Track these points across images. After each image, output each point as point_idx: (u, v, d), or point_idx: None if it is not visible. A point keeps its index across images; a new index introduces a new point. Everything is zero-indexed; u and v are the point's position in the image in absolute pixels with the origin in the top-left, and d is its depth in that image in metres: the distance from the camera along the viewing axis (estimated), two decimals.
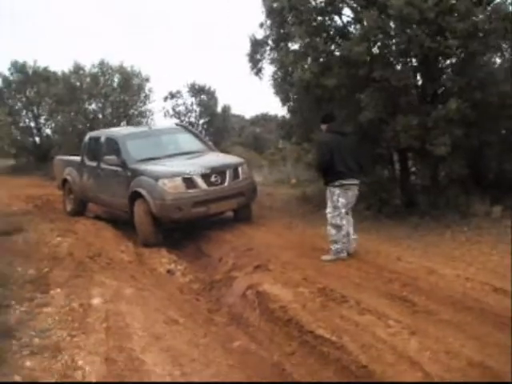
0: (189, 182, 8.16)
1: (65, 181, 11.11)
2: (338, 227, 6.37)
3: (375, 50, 7.65)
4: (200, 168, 8.32)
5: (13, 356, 3.90)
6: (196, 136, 10.51)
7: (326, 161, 6.31)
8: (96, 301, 5.07)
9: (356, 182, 6.45)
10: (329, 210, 6.45)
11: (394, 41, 7.72)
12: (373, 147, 8.54)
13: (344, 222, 6.40)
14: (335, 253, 6.38)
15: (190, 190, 8.15)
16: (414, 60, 7.97)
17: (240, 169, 8.78)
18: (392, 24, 7.38)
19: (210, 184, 8.28)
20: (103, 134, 10.42)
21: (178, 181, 8.11)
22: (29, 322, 4.57)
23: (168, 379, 3.53)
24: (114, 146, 9.39)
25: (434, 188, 8.55)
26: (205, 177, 8.25)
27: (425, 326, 4.28)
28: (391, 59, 7.89)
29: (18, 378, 3.50)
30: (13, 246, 7.45)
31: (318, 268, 6.10)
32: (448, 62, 8.09)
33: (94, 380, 3.52)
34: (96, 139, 10.31)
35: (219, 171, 8.43)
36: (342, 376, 3.93)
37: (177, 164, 8.65)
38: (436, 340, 4.00)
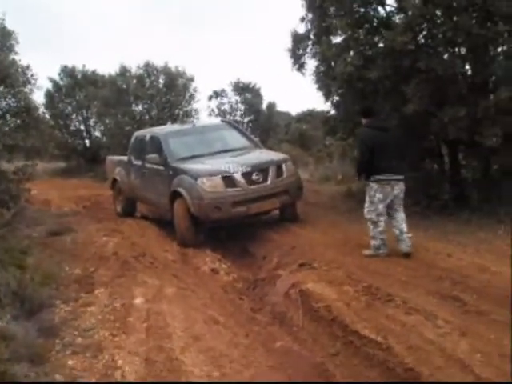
0: (228, 180, 7.88)
1: (114, 180, 11.18)
2: (374, 223, 6.27)
3: (420, 39, 7.37)
4: (241, 166, 8.03)
5: (56, 355, 3.95)
6: (241, 133, 10.23)
7: (366, 159, 6.21)
8: (138, 300, 5.08)
9: (398, 177, 6.25)
10: (366, 205, 6.38)
11: (439, 29, 7.44)
12: (420, 141, 8.28)
13: (381, 218, 6.27)
14: (374, 249, 6.28)
15: (230, 189, 7.87)
16: (461, 48, 7.65)
17: (284, 166, 8.39)
18: (437, 12, 7.12)
19: (251, 182, 7.95)
20: (148, 132, 10.44)
21: (217, 179, 7.86)
22: (72, 322, 4.63)
23: (206, 380, 3.47)
24: (156, 144, 9.33)
25: (486, 181, 8.21)
26: (246, 175, 7.94)
27: (476, 326, 4.08)
28: (437, 48, 7.62)
29: (59, 377, 3.53)
30: (62, 245, 7.60)
31: (363, 266, 5.94)
32: (499, 49, 7.73)
33: (132, 380, 3.49)
34: (141, 138, 10.34)
35: (261, 169, 8.10)
36: (388, 378, 3.79)
37: (217, 162, 8.36)
38: (488, 342, 3.80)
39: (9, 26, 7.29)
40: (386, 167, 6.15)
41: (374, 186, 6.20)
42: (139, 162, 9.96)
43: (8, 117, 7.42)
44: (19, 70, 7.25)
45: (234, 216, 7.93)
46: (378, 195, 6.20)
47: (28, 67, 7.48)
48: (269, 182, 8.09)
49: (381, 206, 6.23)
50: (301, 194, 8.79)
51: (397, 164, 6.25)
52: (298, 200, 8.85)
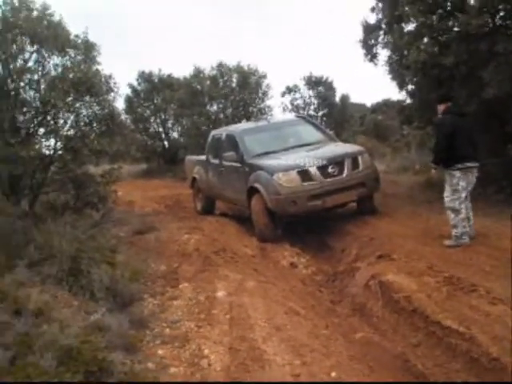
0: (304, 174, 7.89)
1: (194, 179, 11.43)
2: (456, 211, 6.14)
3: (497, 20, 7.10)
4: (316, 160, 8.00)
5: (146, 345, 4.19)
6: (316, 127, 10.19)
7: (446, 145, 6.07)
8: (220, 293, 5.27)
9: (476, 164, 6.16)
10: (447, 193, 6.26)
11: None
12: (501, 126, 7.97)
13: (462, 206, 6.16)
14: (456, 238, 6.14)
15: (306, 183, 7.88)
16: None
17: (360, 158, 8.29)
18: None
19: (326, 176, 7.94)
20: (224, 131, 10.67)
21: (293, 174, 7.89)
22: (160, 314, 4.88)
23: (288, 368, 3.58)
24: (232, 142, 9.51)
25: None
26: (321, 168, 7.92)
27: None
28: None
29: (151, 365, 3.76)
30: (146, 244, 7.92)
31: (444, 256, 5.83)
32: None
33: (218, 368, 3.67)
34: (218, 137, 10.55)
35: (337, 162, 8.06)
36: (472, 369, 3.74)
37: (293, 157, 8.37)
38: None
39: (90, 37, 7.75)
40: (467, 154, 6.07)
41: (457, 173, 6.09)
42: (216, 161, 10.17)
43: (94, 124, 7.87)
44: (102, 79, 7.68)
45: (310, 209, 7.95)
46: (462, 183, 6.10)
47: (110, 76, 7.94)
48: (344, 174, 8.05)
49: (463, 194, 6.13)
50: (378, 186, 8.68)
51: (474, 150, 6.15)
52: (376, 192, 8.75)
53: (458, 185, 6.10)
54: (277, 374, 3.51)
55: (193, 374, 3.69)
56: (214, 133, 11.26)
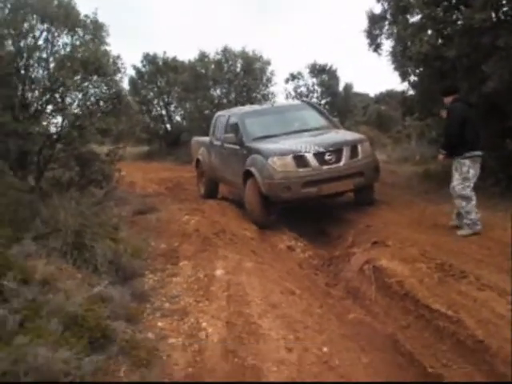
0: (300, 160, 7.72)
1: (198, 161, 11.29)
2: (468, 198, 6.27)
3: (500, 15, 7.20)
4: (313, 145, 7.80)
5: (147, 317, 4.38)
6: (320, 112, 9.91)
7: (458, 131, 6.21)
8: (219, 272, 5.44)
9: (482, 153, 6.32)
10: (457, 182, 6.36)
11: None
12: (501, 119, 8.08)
13: (473, 193, 6.30)
14: (471, 225, 6.27)
15: (301, 169, 7.70)
16: None
17: (360, 146, 8.06)
18: None
19: (323, 163, 7.74)
20: (228, 112, 10.56)
21: (288, 159, 7.72)
22: (160, 289, 5.07)
23: (282, 342, 3.76)
24: (234, 123, 9.44)
25: None
26: (318, 155, 7.73)
27: None
28: None
29: (151, 335, 3.95)
30: (147, 223, 8.05)
31: (437, 244, 5.99)
32: None
33: (215, 340, 3.85)
34: (222, 118, 10.44)
35: (335, 149, 7.85)
36: (457, 350, 3.92)
37: (290, 142, 8.21)
38: None
39: (100, 18, 7.86)
40: (476, 143, 6.23)
41: (467, 162, 6.24)
42: (219, 142, 10.07)
43: (101, 103, 8.00)
44: (111, 60, 7.79)
45: (304, 196, 7.81)
46: (472, 171, 6.25)
47: (118, 57, 8.08)
48: (342, 162, 7.85)
49: (473, 182, 6.28)
50: (377, 176, 8.50)
51: (480, 140, 6.30)
52: (375, 182, 8.61)
53: (469, 173, 6.24)
54: (271, 347, 3.69)
55: (191, 344, 3.87)
56: (218, 114, 11.14)
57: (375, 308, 5.00)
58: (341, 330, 4.33)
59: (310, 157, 7.74)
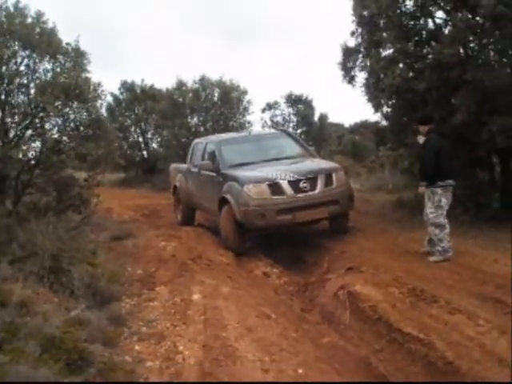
0: (275, 187, 7.75)
1: (175, 188, 11.24)
2: (442, 226, 6.43)
3: (468, 51, 7.55)
4: (288, 173, 7.85)
5: (124, 341, 4.40)
6: (297, 141, 10.00)
7: (434, 163, 6.40)
8: (196, 297, 5.49)
9: (454, 183, 6.52)
10: (430, 210, 6.53)
11: (490, 40, 7.60)
12: (470, 150, 8.36)
13: (446, 221, 6.47)
14: (442, 252, 6.42)
15: (276, 197, 7.73)
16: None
17: (334, 175, 8.11)
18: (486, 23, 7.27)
19: (297, 190, 7.77)
20: (205, 140, 10.59)
21: (263, 186, 7.75)
22: (137, 314, 5.09)
23: (258, 364, 3.82)
24: (210, 150, 9.50)
25: None
26: (293, 183, 7.78)
27: None
28: (486, 59, 7.75)
29: (128, 359, 3.97)
30: (124, 249, 8.06)
31: (409, 270, 6.15)
32: None
33: (192, 363, 3.89)
34: (199, 145, 10.46)
35: (309, 177, 7.90)
36: (429, 371, 4.02)
37: (266, 169, 8.22)
38: None
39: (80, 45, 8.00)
40: (448, 172, 6.43)
41: (439, 190, 6.43)
42: (196, 169, 10.04)
43: (81, 128, 8.07)
44: (91, 86, 7.90)
45: (279, 224, 7.81)
46: (444, 199, 6.44)
47: (99, 84, 8.18)
48: (317, 190, 7.88)
49: (446, 210, 6.46)
50: (351, 204, 8.53)
51: (453, 170, 6.53)
52: (349, 211, 8.64)
53: (441, 201, 6.42)
54: (248, 368, 3.74)
55: (168, 367, 3.90)
56: (196, 141, 11.19)
57: (349, 332, 5.10)
58: (316, 353, 4.41)
59: (284, 184, 7.77)
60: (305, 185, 7.82)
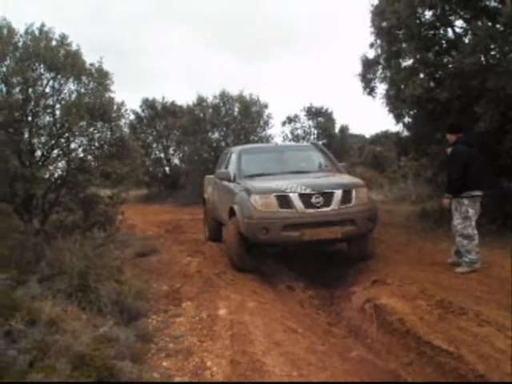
0: (283, 200, 7.05)
1: (203, 200, 10.85)
2: (470, 237, 6.39)
3: (489, 59, 7.50)
4: (300, 186, 7.12)
5: (152, 357, 4.41)
6: (326, 156, 9.07)
7: (462, 174, 6.37)
8: (222, 312, 5.49)
9: (481, 193, 6.48)
10: (458, 221, 6.50)
11: (511, 48, 7.55)
12: (495, 158, 8.29)
13: (475, 231, 6.42)
14: (469, 264, 6.38)
15: (283, 210, 7.04)
16: None
17: (354, 191, 7.26)
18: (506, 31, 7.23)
19: (309, 205, 7.03)
20: (233, 149, 10.06)
21: (271, 198, 7.08)
22: (164, 330, 5.10)
23: (286, 379, 3.81)
24: (231, 160, 9.22)
25: None
26: (304, 196, 7.05)
27: None
28: (509, 67, 7.68)
29: (156, 376, 3.98)
30: (149, 265, 8.12)
31: (436, 282, 6.09)
32: None
33: (220, 378, 3.89)
34: (227, 155, 10.03)
35: (324, 192, 7.12)
36: None
37: (278, 181, 7.53)
38: None
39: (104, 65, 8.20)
40: (476, 183, 6.38)
41: (466, 201, 6.39)
42: (218, 179, 9.42)
43: (105, 147, 8.23)
44: (115, 106, 8.06)
45: (284, 240, 7.14)
46: (471, 210, 6.39)
47: (122, 103, 8.41)
48: (331, 207, 7.08)
49: (474, 221, 6.41)
50: (372, 226, 7.53)
51: (481, 180, 6.48)
52: (369, 232, 7.64)
53: (468, 212, 6.38)
54: None
55: None
56: (226, 150, 10.69)
57: (377, 345, 5.05)
58: (344, 367, 4.37)
59: (294, 198, 7.07)
60: (318, 200, 7.08)
